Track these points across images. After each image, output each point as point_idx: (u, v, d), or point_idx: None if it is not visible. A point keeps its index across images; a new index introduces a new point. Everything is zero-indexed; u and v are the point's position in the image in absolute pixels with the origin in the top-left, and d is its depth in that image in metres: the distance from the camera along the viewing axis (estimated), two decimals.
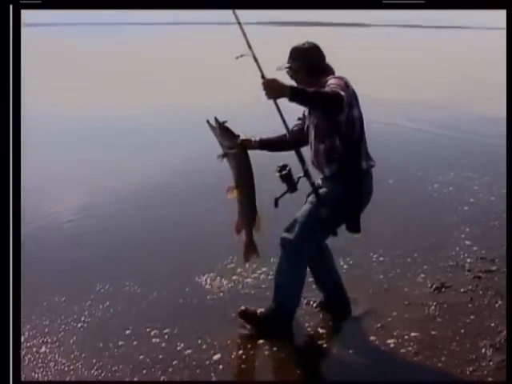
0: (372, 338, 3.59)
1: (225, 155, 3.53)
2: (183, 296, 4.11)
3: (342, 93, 3.17)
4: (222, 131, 3.49)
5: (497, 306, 3.93)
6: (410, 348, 3.48)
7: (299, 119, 3.72)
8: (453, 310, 3.87)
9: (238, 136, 3.51)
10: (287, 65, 3.53)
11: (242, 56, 3.42)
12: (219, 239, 5.02)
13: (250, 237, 3.65)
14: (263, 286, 4.21)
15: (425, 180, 6.95)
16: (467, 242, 4.98)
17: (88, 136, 10.01)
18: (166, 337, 3.61)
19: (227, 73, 18.87)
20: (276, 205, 3.59)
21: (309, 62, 3.50)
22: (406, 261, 4.42)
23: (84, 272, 4.52)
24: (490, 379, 3.18)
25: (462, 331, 3.63)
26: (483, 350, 3.42)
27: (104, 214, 5.95)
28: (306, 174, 3.46)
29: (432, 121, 11.27)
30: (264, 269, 4.44)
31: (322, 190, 3.48)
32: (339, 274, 3.92)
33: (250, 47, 3.43)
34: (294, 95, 3.09)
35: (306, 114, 3.63)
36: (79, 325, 3.76)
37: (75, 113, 12.44)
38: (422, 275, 4.24)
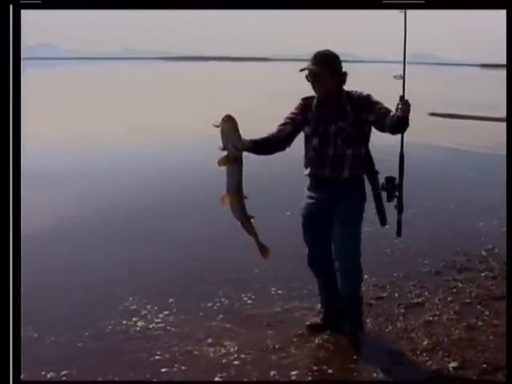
0: (273, 372, 3.65)
1: (235, 158, 3.31)
2: (82, 339, 4.03)
3: None
4: (238, 132, 3.29)
5: (387, 331, 4.15)
6: (309, 378, 3.61)
7: (286, 123, 3.71)
8: (345, 337, 4.03)
9: None
10: (320, 67, 3.58)
11: (400, 77, 3.53)
12: (122, 280, 5.03)
13: (256, 239, 3.61)
14: (168, 328, 4.21)
15: None
16: None
17: None
18: (64, 378, 3.56)
19: None
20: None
21: (340, 68, 3.67)
22: (303, 293, 4.58)
23: None
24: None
25: (354, 357, 3.81)
26: (374, 375, 3.60)
27: None
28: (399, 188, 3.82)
29: None
30: (166, 312, 4.46)
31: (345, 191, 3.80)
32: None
33: (404, 67, 3.56)
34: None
35: (318, 118, 3.71)
36: None
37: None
38: (319, 305, 4.38)
